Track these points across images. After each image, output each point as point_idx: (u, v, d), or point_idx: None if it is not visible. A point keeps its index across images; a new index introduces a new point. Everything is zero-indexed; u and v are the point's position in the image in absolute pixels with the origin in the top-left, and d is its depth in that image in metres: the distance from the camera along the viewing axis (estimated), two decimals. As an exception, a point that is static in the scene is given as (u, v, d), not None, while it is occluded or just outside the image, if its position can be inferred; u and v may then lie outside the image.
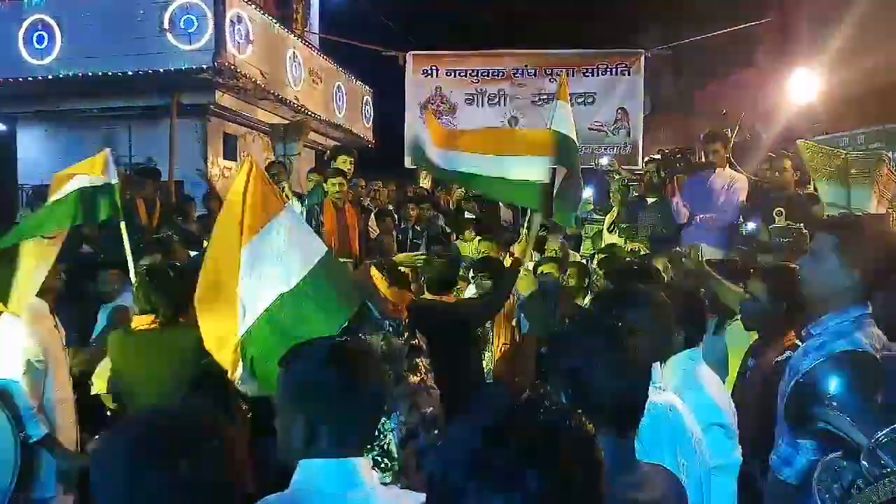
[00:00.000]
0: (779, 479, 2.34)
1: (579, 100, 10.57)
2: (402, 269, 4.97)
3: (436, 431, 3.26)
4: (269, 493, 1.62)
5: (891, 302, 2.93)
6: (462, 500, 0.99)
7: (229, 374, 2.79)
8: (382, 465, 3.06)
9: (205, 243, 6.26)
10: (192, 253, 5.69)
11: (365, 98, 13.55)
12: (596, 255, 6.43)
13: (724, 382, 2.96)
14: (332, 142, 12.13)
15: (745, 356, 3.31)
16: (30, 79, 9.04)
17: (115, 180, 3.84)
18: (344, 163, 7.16)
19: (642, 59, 11.23)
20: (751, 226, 5.22)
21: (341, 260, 4.04)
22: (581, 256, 7.19)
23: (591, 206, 8.05)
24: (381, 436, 3.03)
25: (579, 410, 1.54)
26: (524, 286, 3.51)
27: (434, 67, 11.80)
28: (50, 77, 8.99)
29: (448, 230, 8.16)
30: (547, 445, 1.02)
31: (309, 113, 10.93)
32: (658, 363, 2.37)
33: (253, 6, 9.40)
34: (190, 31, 8.73)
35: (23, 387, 3.17)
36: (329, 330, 2.70)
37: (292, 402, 1.63)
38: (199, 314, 2.84)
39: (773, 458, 2.38)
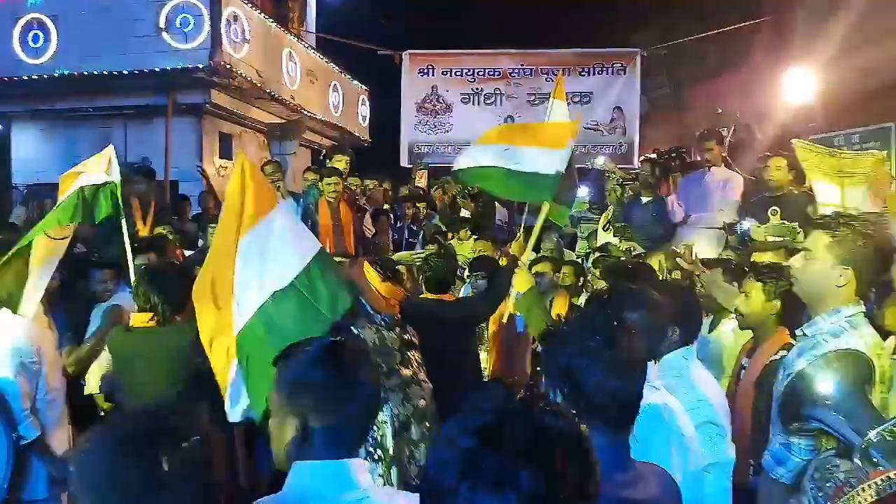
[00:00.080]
0: (772, 478, 2.35)
1: (576, 99, 10.60)
2: (399, 267, 4.99)
3: (427, 424, 3.28)
4: (264, 493, 1.61)
5: (883, 301, 2.94)
6: (455, 499, 0.99)
7: (220, 383, 2.79)
8: (376, 457, 3.08)
9: (200, 243, 6.28)
10: (188, 252, 5.70)
11: (361, 97, 13.54)
12: (591, 254, 6.44)
13: (718, 381, 2.96)
14: (328, 141, 12.11)
15: (739, 355, 3.32)
16: (25, 78, 9.02)
17: (117, 178, 3.83)
18: (339, 162, 7.16)
19: (638, 58, 11.28)
20: (746, 225, 5.22)
21: (337, 259, 4.03)
22: (576, 255, 7.20)
23: (587, 206, 8.06)
24: (375, 427, 3.04)
25: (574, 409, 1.55)
26: (521, 284, 3.49)
27: (430, 67, 11.82)
28: (45, 76, 8.97)
29: (444, 229, 8.16)
30: (540, 445, 1.02)
31: (305, 112, 10.92)
32: (653, 361, 2.38)
33: (249, 5, 9.39)
34: (186, 30, 8.72)
35: (17, 388, 3.16)
36: (324, 326, 2.71)
37: (286, 402, 1.62)
38: (197, 312, 2.84)
39: (767, 457, 2.39)
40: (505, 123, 10.94)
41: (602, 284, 4.52)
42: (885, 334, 2.89)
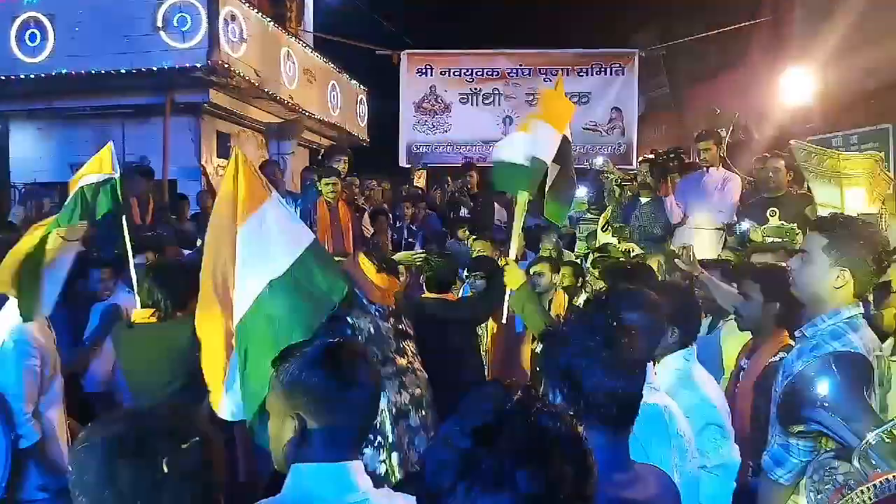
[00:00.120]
0: (771, 479, 2.35)
1: (574, 99, 10.58)
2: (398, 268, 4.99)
3: (424, 412, 3.30)
4: (262, 493, 1.61)
5: (881, 302, 2.94)
6: (453, 500, 0.99)
7: (211, 380, 2.80)
8: (377, 444, 3.09)
9: (199, 242, 6.28)
10: (186, 252, 5.69)
11: (359, 97, 13.53)
12: (590, 255, 6.44)
13: (717, 382, 2.96)
14: (326, 141, 12.11)
15: (738, 356, 3.32)
16: (22, 77, 9.00)
17: (117, 173, 3.84)
18: (338, 162, 7.15)
19: (636, 59, 11.28)
20: (744, 226, 5.22)
21: (336, 259, 4.03)
22: (575, 256, 7.20)
23: (586, 206, 8.06)
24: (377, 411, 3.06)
25: (574, 410, 1.55)
26: (511, 281, 3.47)
27: (428, 67, 11.82)
28: (43, 75, 8.95)
29: (444, 229, 8.17)
30: (537, 446, 1.02)
31: (303, 112, 10.91)
32: (652, 363, 2.38)
33: (247, 4, 9.38)
34: (184, 29, 8.71)
35: (23, 390, 3.15)
36: (321, 313, 2.73)
37: (285, 404, 1.62)
38: (197, 307, 2.86)
39: (765, 458, 2.39)
40: (497, 125, 10.93)
41: (601, 285, 4.52)
42: (883, 336, 2.89)
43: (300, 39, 11.55)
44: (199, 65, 8.65)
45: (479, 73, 11.73)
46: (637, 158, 9.80)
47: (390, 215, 8.41)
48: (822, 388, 2.13)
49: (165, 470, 1.25)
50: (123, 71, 8.76)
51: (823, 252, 2.25)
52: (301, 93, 10.84)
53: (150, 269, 3.51)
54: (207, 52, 8.63)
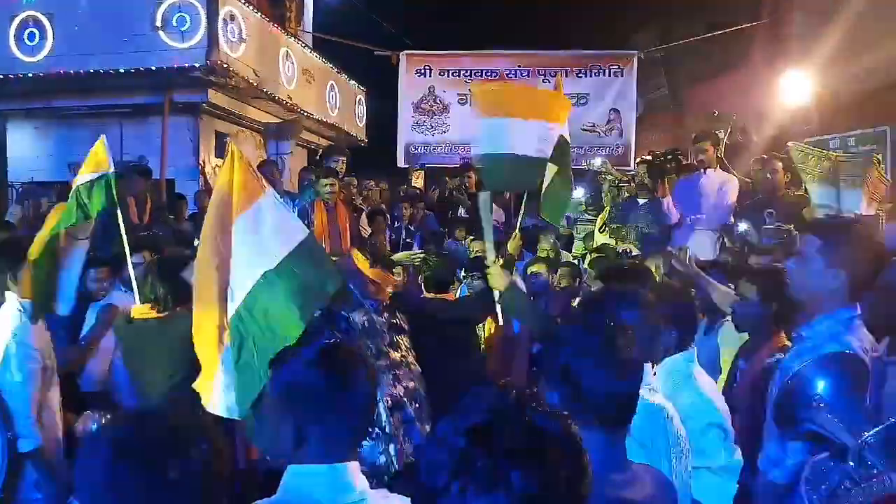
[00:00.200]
0: (768, 480, 2.35)
1: (572, 100, 10.57)
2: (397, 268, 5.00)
3: (417, 405, 3.32)
4: (258, 493, 1.60)
5: (877, 303, 2.94)
6: (447, 499, 0.99)
7: (201, 385, 2.80)
8: (374, 435, 3.11)
9: (196, 242, 6.27)
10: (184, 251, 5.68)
11: (358, 97, 13.53)
12: (587, 256, 6.45)
13: (715, 383, 2.97)
14: (324, 141, 12.10)
15: (735, 357, 3.32)
16: (20, 76, 8.99)
17: (111, 169, 3.84)
18: (336, 162, 7.14)
19: (635, 60, 11.27)
20: (742, 227, 5.23)
21: (333, 259, 4.03)
22: (573, 257, 7.20)
23: (584, 207, 8.06)
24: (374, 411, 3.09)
25: (571, 409, 1.55)
26: (496, 283, 3.42)
27: (427, 67, 11.80)
28: (41, 74, 8.94)
29: (442, 229, 8.16)
30: (532, 446, 1.02)
31: (302, 112, 10.90)
32: (651, 364, 2.38)
33: (246, 4, 9.38)
34: (183, 29, 8.70)
35: (28, 394, 3.14)
36: (316, 306, 2.76)
37: (281, 405, 1.61)
38: (194, 303, 2.87)
39: (762, 459, 2.39)
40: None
41: (598, 286, 4.52)
42: (879, 336, 2.89)
43: (299, 39, 11.55)
44: (197, 65, 8.64)
45: (477, 74, 11.71)
46: (635, 160, 9.80)
47: (388, 215, 8.40)
48: (819, 388, 2.13)
49: (172, 474, 1.24)
50: (122, 70, 8.74)
51: (819, 253, 2.26)
52: (300, 93, 10.83)
53: (153, 264, 3.58)
54: (206, 52, 8.62)
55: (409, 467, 3.12)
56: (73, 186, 3.78)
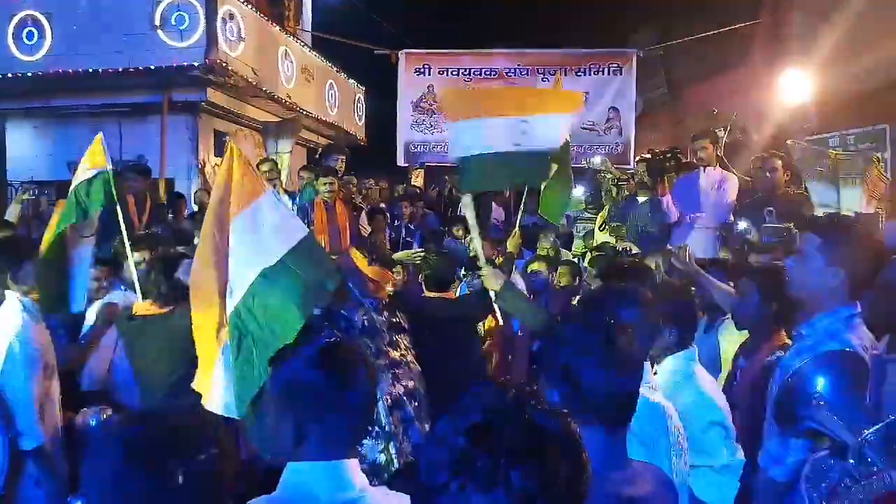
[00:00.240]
0: (768, 478, 2.35)
1: (572, 99, 10.56)
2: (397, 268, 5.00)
3: (416, 404, 3.32)
4: (259, 490, 1.61)
5: (877, 301, 2.94)
6: (446, 498, 0.99)
7: (200, 384, 2.81)
8: (374, 434, 3.11)
9: (196, 241, 6.27)
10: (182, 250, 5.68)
11: (357, 96, 13.53)
12: (587, 254, 6.45)
13: (716, 381, 2.97)
14: (324, 140, 12.10)
15: (735, 356, 3.32)
16: (19, 75, 8.98)
17: (108, 166, 3.85)
18: (335, 161, 7.15)
19: (634, 59, 11.27)
20: (741, 225, 5.23)
21: (332, 257, 4.04)
22: (572, 255, 7.21)
23: (583, 205, 8.06)
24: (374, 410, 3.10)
25: (572, 407, 1.55)
26: (491, 284, 3.40)
27: (426, 66, 11.79)
28: (40, 73, 8.93)
29: (442, 228, 8.17)
30: (531, 444, 1.02)
31: (301, 111, 10.90)
32: (652, 362, 2.38)
33: (245, 3, 9.37)
34: (181, 28, 8.70)
35: (30, 393, 3.14)
36: (315, 303, 2.76)
37: (281, 403, 1.62)
38: (191, 301, 2.87)
39: (763, 457, 2.39)
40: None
41: (598, 284, 4.52)
42: (878, 335, 2.89)
43: (298, 38, 11.55)
44: (196, 63, 8.64)
45: (477, 73, 11.71)
46: (634, 158, 9.80)
47: (388, 214, 8.41)
48: (819, 386, 2.13)
49: (180, 481, 1.23)
50: (121, 69, 8.74)
51: (819, 251, 2.25)
52: (299, 92, 10.83)
53: (156, 261, 3.64)
54: (205, 51, 8.62)
55: (408, 466, 3.13)
56: (73, 185, 3.79)
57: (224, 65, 8.80)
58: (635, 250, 5.61)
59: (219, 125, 10.14)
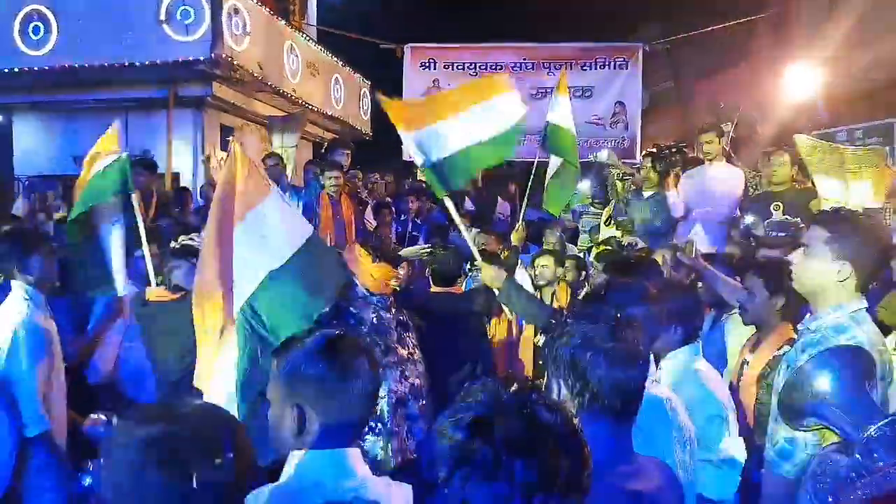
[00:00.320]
0: (775, 473, 2.34)
1: (577, 93, 10.56)
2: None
3: (423, 402, 3.33)
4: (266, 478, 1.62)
5: (883, 296, 2.92)
6: (448, 489, 0.99)
7: (198, 380, 2.82)
8: (377, 430, 3.12)
9: (201, 235, 6.29)
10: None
11: (363, 90, 13.51)
12: (593, 249, 6.44)
13: (721, 376, 2.96)
14: (329, 134, 12.10)
15: (742, 350, 3.31)
16: (26, 69, 9.00)
17: (124, 154, 3.89)
18: (341, 156, 7.15)
19: (640, 53, 11.22)
20: (748, 220, 5.21)
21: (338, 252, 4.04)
22: (578, 249, 7.20)
23: (589, 200, 8.04)
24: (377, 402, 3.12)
25: (578, 401, 1.56)
26: (490, 281, 3.39)
27: (432, 60, 11.77)
28: (46, 68, 8.95)
29: (448, 222, 8.17)
30: (532, 437, 1.02)
31: (307, 105, 10.90)
32: (656, 357, 2.38)
33: (250, -2, 9.37)
34: (187, 22, 8.70)
35: (35, 380, 3.16)
36: (322, 305, 2.75)
37: (285, 392, 1.63)
38: (194, 301, 2.86)
39: (770, 453, 2.38)
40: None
41: (604, 278, 4.52)
42: (886, 330, 2.88)
43: (303, 33, 11.53)
44: (202, 58, 8.64)
45: (482, 67, 11.67)
46: (640, 152, 9.77)
47: (394, 209, 8.41)
48: (825, 381, 2.13)
49: (195, 485, 1.23)
50: (126, 64, 8.75)
51: (826, 246, 2.24)
52: (304, 86, 10.83)
53: (177, 251, 3.76)
54: (211, 46, 8.62)
55: (409, 464, 3.13)
56: (93, 172, 3.84)
57: (230, 59, 8.80)
58: (641, 245, 5.60)
59: (225, 120, 10.15)
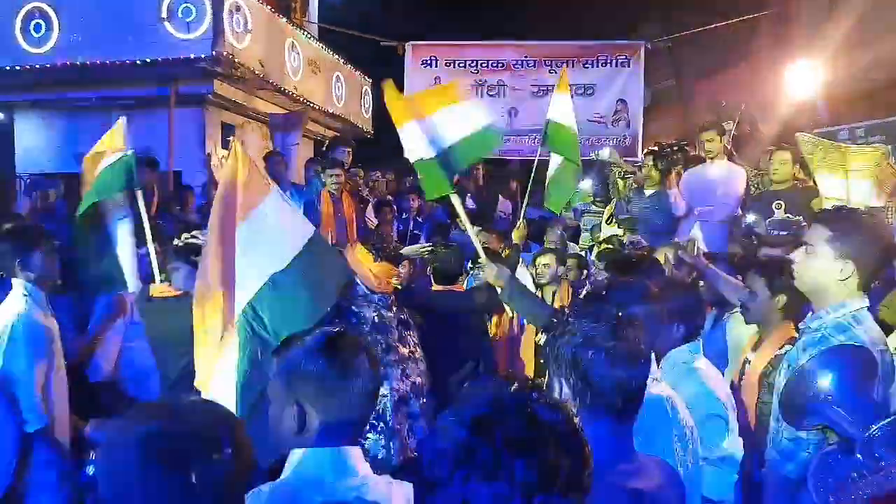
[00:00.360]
0: (779, 474, 2.34)
1: (579, 91, 10.55)
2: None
3: (424, 400, 3.34)
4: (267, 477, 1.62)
5: (885, 295, 2.92)
6: (449, 488, 0.99)
7: (198, 380, 2.82)
8: (379, 428, 3.13)
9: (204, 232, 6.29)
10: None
11: (364, 88, 13.49)
12: (594, 247, 6.43)
13: (723, 375, 2.96)
14: (331, 132, 12.09)
15: (744, 349, 3.31)
16: (27, 67, 8.99)
17: (130, 150, 3.89)
18: (342, 154, 7.15)
19: (642, 50, 11.21)
20: (750, 218, 5.21)
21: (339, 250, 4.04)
22: (579, 248, 7.19)
23: (591, 198, 8.04)
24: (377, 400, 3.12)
25: (579, 400, 1.56)
26: (489, 278, 3.37)
27: (433, 58, 11.77)
28: (47, 66, 8.94)
29: (449, 221, 8.16)
30: (533, 436, 1.02)
31: (308, 103, 10.88)
32: (657, 355, 2.37)
33: (252, -5, 9.36)
34: (188, 20, 8.68)
35: (33, 377, 3.16)
36: (324, 307, 2.75)
37: (285, 390, 1.63)
38: (194, 302, 2.86)
39: (772, 453, 2.38)
40: (501, 118, 10.70)
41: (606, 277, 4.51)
42: (888, 329, 2.88)
43: (305, 30, 11.52)
44: (203, 56, 8.63)
45: (484, 65, 11.67)
46: (642, 150, 9.76)
47: (395, 207, 8.40)
48: (826, 381, 2.13)
49: (194, 481, 1.23)
50: (128, 62, 8.73)
51: (828, 244, 2.24)
52: (305, 84, 10.81)
53: (179, 249, 3.74)
54: (212, 43, 8.60)
55: (411, 463, 3.14)
56: (97, 166, 3.84)
57: (231, 57, 8.79)
58: (643, 243, 5.60)
59: (226, 117, 10.14)
